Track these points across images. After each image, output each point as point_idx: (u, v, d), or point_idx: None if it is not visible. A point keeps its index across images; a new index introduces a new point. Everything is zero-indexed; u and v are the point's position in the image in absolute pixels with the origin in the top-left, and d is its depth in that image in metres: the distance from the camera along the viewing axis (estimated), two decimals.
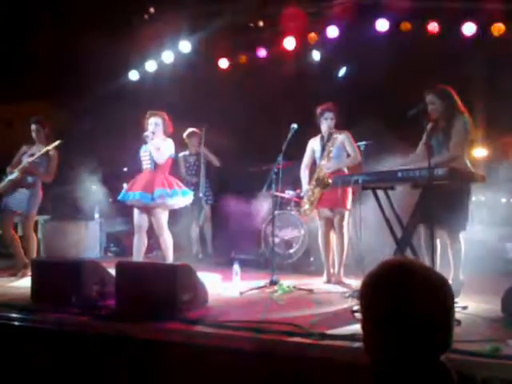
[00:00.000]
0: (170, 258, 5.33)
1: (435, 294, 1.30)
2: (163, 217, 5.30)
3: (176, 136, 7.08)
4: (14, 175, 5.92)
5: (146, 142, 5.37)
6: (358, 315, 1.49)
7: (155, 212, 5.26)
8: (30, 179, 5.95)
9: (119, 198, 5.47)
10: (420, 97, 4.34)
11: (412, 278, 1.30)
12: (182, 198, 5.39)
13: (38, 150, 5.97)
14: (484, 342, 2.79)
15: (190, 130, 7.47)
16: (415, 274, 1.31)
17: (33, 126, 6.10)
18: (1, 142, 6.54)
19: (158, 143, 5.31)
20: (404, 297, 1.28)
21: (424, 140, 4.32)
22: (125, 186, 5.55)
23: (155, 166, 5.36)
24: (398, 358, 1.28)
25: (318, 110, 5.29)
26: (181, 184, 5.53)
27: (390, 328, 1.28)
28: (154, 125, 5.38)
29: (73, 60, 7.61)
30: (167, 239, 5.33)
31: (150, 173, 5.36)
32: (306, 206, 5.35)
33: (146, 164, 5.43)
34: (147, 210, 5.30)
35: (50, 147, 5.95)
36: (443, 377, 1.28)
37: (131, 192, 5.29)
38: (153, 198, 5.18)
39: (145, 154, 5.44)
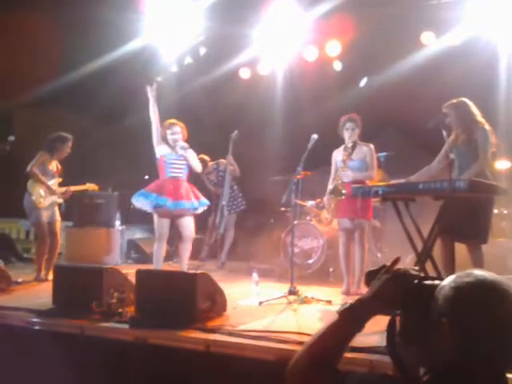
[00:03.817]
0: (185, 266, 5.39)
1: None
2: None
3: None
4: (60, 199, 6.13)
5: (176, 151, 5.29)
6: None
7: (188, 219, 5.32)
8: None
9: (156, 203, 5.17)
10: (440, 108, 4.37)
11: (508, 299, 1.20)
12: (203, 208, 5.55)
13: (56, 167, 6.12)
14: None
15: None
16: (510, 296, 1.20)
17: (69, 143, 6.10)
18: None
19: (193, 152, 5.37)
20: (497, 319, 1.18)
21: (443, 154, 4.33)
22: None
23: (186, 175, 5.38)
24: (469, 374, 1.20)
25: (341, 120, 5.29)
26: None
27: (469, 341, 1.19)
28: (180, 133, 5.38)
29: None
30: (190, 247, 5.38)
31: (184, 182, 5.35)
32: (325, 214, 5.54)
33: (178, 172, 5.31)
34: (173, 218, 5.31)
35: (89, 188, 6.51)
36: None
37: (180, 201, 5.21)
38: (196, 207, 5.35)
39: (180, 161, 5.31)
